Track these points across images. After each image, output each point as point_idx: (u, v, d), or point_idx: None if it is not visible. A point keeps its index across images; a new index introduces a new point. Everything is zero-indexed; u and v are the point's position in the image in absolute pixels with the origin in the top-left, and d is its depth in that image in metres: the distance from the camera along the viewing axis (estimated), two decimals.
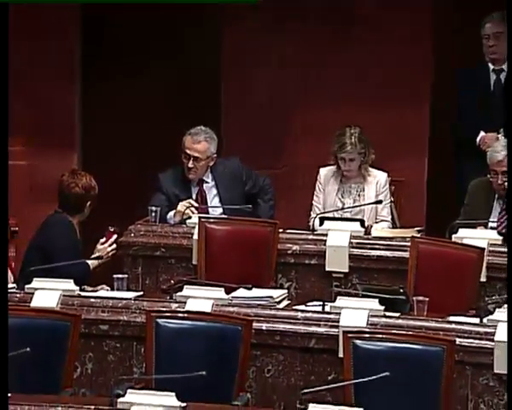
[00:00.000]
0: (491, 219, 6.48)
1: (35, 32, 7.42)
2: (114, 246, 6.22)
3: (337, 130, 6.72)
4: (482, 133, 6.98)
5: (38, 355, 5.04)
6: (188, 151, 6.60)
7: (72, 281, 5.74)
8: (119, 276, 5.87)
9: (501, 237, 6.28)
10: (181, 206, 6.52)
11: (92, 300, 5.69)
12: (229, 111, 7.56)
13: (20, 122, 7.36)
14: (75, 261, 5.99)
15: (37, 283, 5.74)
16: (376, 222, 6.68)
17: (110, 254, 6.21)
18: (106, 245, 6.19)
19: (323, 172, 6.79)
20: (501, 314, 5.45)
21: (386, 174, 6.77)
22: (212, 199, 6.71)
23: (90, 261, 6.12)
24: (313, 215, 6.66)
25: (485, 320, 5.45)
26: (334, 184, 6.77)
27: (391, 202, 6.80)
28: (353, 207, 6.68)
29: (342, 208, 6.68)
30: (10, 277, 6.25)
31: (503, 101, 6.99)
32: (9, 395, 4.71)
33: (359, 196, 6.76)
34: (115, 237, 6.23)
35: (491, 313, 5.50)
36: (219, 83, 7.58)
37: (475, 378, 5.34)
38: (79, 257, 6.10)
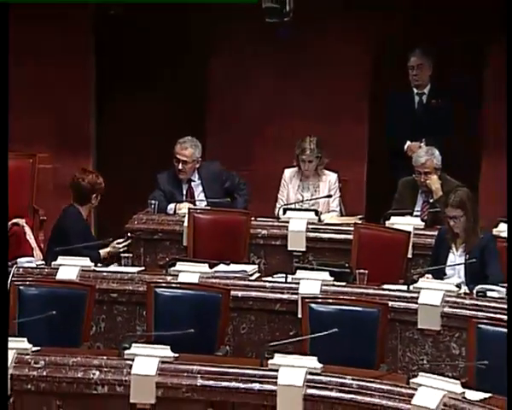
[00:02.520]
0: (415, 209, 6.46)
1: (58, 55, 7.33)
2: (125, 248, 6.12)
3: (299, 139, 6.73)
4: (408, 142, 6.97)
5: (62, 317, 5.03)
6: (178, 156, 6.59)
7: (88, 259, 5.72)
8: (126, 255, 5.86)
9: (423, 223, 6.28)
10: (184, 208, 6.46)
11: (104, 273, 5.68)
12: (212, 124, 7.54)
13: (47, 134, 7.34)
14: (87, 244, 5.90)
15: (60, 260, 5.72)
16: (328, 212, 6.67)
17: (120, 251, 6.08)
18: (120, 245, 6.08)
19: (287, 172, 6.78)
20: (423, 283, 5.47)
21: (336, 174, 6.76)
22: (199, 194, 6.69)
23: (101, 251, 6.03)
24: (278, 206, 6.64)
25: (411, 288, 5.47)
26: (296, 181, 6.75)
27: (339, 196, 6.81)
28: (310, 200, 6.66)
29: (301, 201, 6.66)
30: (40, 255, 6.23)
31: (424, 117, 7.00)
32: (39, 348, 4.71)
33: (315, 191, 6.74)
34: (129, 241, 6.14)
35: (416, 281, 5.52)
36: (205, 102, 7.54)
37: (403, 333, 5.36)
38: (89, 240, 6.00)
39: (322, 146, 6.66)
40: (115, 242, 6.09)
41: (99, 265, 5.78)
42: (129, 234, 6.16)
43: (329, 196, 6.69)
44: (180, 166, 6.59)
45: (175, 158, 6.61)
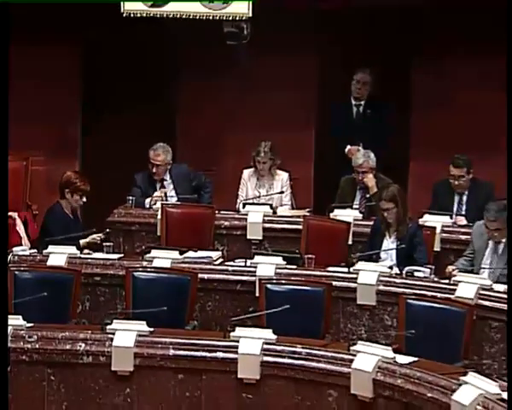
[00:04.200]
0: (355, 203, 6.46)
1: (51, 75, 7.25)
2: (101, 239, 5.98)
3: (257, 143, 6.73)
4: (348, 146, 6.98)
5: (52, 298, 4.99)
6: (152, 161, 6.57)
7: (74, 247, 5.66)
8: (107, 244, 5.81)
9: (361, 215, 6.29)
10: (156, 196, 6.46)
11: (89, 260, 5.63)
12: (182, 133, 7.49)
13: (40, 142, 7.26)
14: (67, 236, 5.80)
15: (51, 248, 5.66)
16: (281, 205, 6.66)
17: (98, 242, 5.98)
18: (97, 238, 5.98)
19: (246, 172, 6.76)
20: (361, 266, 5.48)
21: (287, 174, 6.75)
22: (170, 191, 6.65)
23: (81, 241, 5.92)
24: (239, 202, 6.62)
25: (351, 269, 5.49)
26: (253, 180, 6.72)
27: (290, 192, 6.80)
28: (266, 196, 6.65)
29: (258, 197, 6.63)
30: (28, 244, 6.15)
31: (361, 125, 7.01)
32: (33, 324, 4.65)
33: (270, 188, 6.72)
34: (105, 235, 6.05)
35: (354, 264, 5.53)
36: (175, 113, 7.49)
37: (344, 308, 5.38)
38: (69, 232, 5.85)
39: (275, 150, 6.65)
40: (95, 235, 6.00)
41: (84, 252, 5.71)
42: (107, 230, 6.07)
43: (282, 193, 6.68)
44: (154, 170, 6.58)
45: (150, 162, 6.59)
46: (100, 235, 6.00)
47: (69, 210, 6.08)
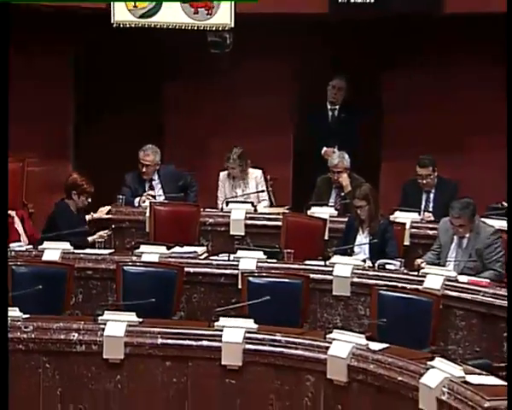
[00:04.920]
0: (330, 201, 6.47)
1: (41, 81, 7.21)
2: (106, 236, 6.01)
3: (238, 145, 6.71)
4: (325, 148, 6.99)
5: (47, 290, 4.96)
6: (141, 161, 6.56)
7: (68, 243, 5.62)
8: (99, 240, 5.80)
9: (336, 212, 6.30)
10: (144, 196, 6.45)
11: (81, 255, 5.60)
12: (170, 136, 7.45)
13: (35, 143, 7.21)
14: (76, 230, 5.80)
15: (46, 244, 5.63)
16: (260, 201, 6.62)
17: (106, 238, 5.99)
18: (104, 234, 5.98)
19: (221, 174, 6.73)
20: (337, 259, 5.48)
21: (260, 171, 6.73)
22: (158, 191, 6.64)
23: (90, 238, 5.93)
24: (219, 203, 6.58)
25: (327, 263, 5.49)
26: (229, 181, 6.70)
27: (270, 189, 6.79)
28: (242, 195, 6.59)
29: (236, 196, 6.60)
30: (26, 240, 6.13)
31: (336, 128, 7.03)
32: (29, 315, 4.63)
33: (246, 187, 6.69)
34: (110, 233, 6.06)
35: (330, 258, 5.54)
36: (163, 118, 7.46)
37: (321, 298, 5.38)
38: (76, 227, 5.87)
39: (244, 156, 6.61)
40: (102, 232, 6.00)
41: (97, 246, 5.72)
42: (113, 226, 6.09)
43: (262, 191, 6.67)
44: (144, 170, 6.57)
45: (139, 162, 6.57)
46: (106, 232, 6.01)
47: (74, 209, 6.07)
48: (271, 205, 6.73)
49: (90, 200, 6.04)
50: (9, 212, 6.22)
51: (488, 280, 5.21)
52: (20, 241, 6.01)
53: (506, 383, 3.86)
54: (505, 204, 6.26)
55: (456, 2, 6.52)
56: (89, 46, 7.25)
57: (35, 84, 7.21)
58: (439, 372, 3.97)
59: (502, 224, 5.82)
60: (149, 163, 6.54)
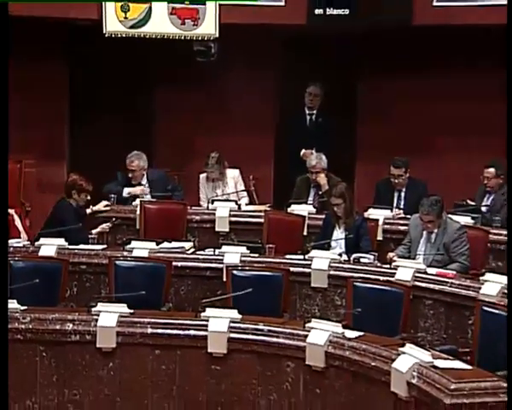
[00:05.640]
0: (309, 199, 6.48)
1: (37, 88, 7.16)
2: (108, 229, 6.04)
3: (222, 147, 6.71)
4: (303, 150, 7.01)
5: (44, 284, 4.93)
6: (128, 167, 6.58)
7: (63, 239, 5.59)
8: (93, 236, 5.78)
9: (314, 209, 6.30)
10: (136, 190, 6.45)
11: (76, 251, 5.57)
12: (159, 140, 7.44)
13: (31, 146, 7.18)
14: (75, 226, 5.75)
15: (42, 240, 5.60)
16: (239, 200, 6.60)
17: (107, 231, 6.02)
18: (106, 227, 5.99)
19: (201, 176, 6.70)
20: (315, 253, 5.47)
21: (238, 170, 6.71)
22: (147, 195, 6.62)
23: (94, 230, 5.90)
24: (202, 203, 6.55)
25: (306, 257, 5.50)
26: (209, 183, 6.68)
27: (252, 188, 6.80)
28: (222, 195, 6.58)
29: (217, 195, 6.56)
30: (25, 237, 6.11)
31: (314, 131, 7.03)
32: (26, 307, 4.62)
33: (225, 187, 6.68)
34: (111, 226, 6.05)
35: (309, 252, 5.54)
36: (153, 123, 7.43)
37: (300, 290, 5.39)
38: (79, 221, 5.85)
39: (221, 160, 6.59)
40: (104, 225, 5.99)
41: (90, 242, 5.68)
42: (114, 219, 6.08)
43: (244, 191, 6.67)
44: (130, 175, 6.59)
45: (126, 169, 6.58)
46: (108, 224, 6.00)
47: (75, 206, 6.03)
48: (253, 203, 6.73)
49: (89, 197, 6.02)
50: (9, 210, 6.20)
51: (454, 272, 5.26)
52: (20, 238, 5.98)
53: (471, 368, 3.91)
54: (470, 202, 6.37)
55: (425, 16, 6.59)
56: (83, 54, 7.23)
57: (31, 91, 7.17)
58: (410, 358, 4.00)
59: (467, 220, 5.90)
60: (135, 168, 6.57)
